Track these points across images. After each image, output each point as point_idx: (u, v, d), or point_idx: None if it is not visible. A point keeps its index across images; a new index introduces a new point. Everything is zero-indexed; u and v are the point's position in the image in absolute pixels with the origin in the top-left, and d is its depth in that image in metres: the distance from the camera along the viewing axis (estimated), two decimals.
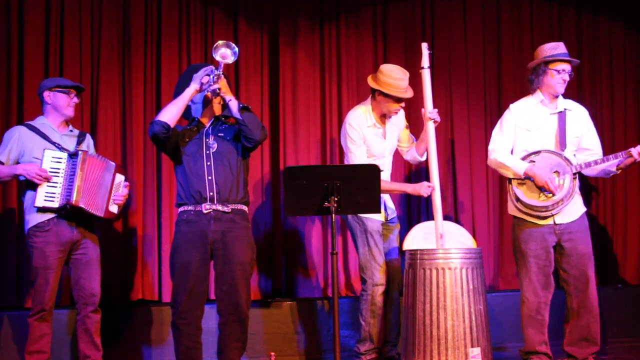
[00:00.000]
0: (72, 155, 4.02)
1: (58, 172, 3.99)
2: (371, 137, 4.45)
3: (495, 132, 4.42)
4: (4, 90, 4.88)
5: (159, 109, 4.70)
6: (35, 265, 4.00)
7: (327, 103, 5.47)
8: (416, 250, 4.05)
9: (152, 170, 5.11)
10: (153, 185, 5.10)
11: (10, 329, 4.59)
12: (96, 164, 4.05)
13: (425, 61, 4.37)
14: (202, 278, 3.85)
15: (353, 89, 5.52)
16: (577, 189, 4.25)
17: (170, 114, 3.81)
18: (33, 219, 4.02)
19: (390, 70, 4.37)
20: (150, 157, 5.12)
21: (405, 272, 4.11)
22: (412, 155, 4.69)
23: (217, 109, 3.99)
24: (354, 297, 5.22)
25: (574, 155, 4.35)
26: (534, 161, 4.23)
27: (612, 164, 4.25)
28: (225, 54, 3.75)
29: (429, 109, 4.33)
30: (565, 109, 4.35)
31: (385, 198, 4.54)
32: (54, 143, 4.08)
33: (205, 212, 3.82)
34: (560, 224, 4.24)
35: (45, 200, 3.95)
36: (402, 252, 4.43)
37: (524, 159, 4.28)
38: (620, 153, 4.21)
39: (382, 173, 4.22)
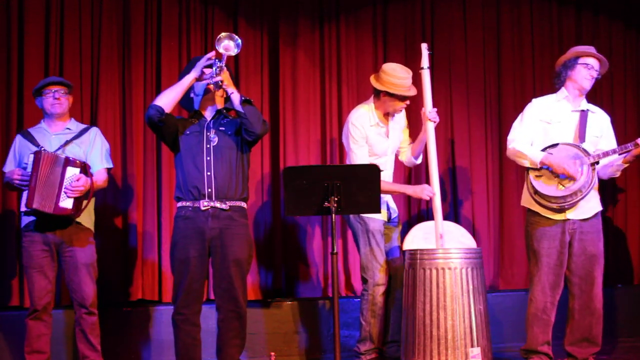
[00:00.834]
0: (35, 155, 3.94)
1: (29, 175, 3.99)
2: (374, 136, 4.45)
3: (516, 123, 4.39)
4: (4, 90, 4.88)
5: None
6: (24, 265, 4.05)
7: (327, 103, 5.47)
8: (416, 250, 4.06)
9: (152, 168, 5.12)
10: (153, 184, 5.10)
11: (10, 329, 4.59)
12: (50, 160, 3.92)
13: (425, 61, 4.36)
14: (200, 275, 3.85)
15: (353, 88, 5.51)
16: (596, 182, 4.19)
17: (166, 99, 3.80)
18: (24, 220, 4.08)
19: (393, 70, 4.37)
20: (150, 156, 5.12)
21: (405, 272, 4.11)
22: (407, 156, 4.70)
23: (219, 101, 3.98)
24: (354, 297, 5.22)
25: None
26: (551, 153, 4.19)
27: (619, 157, 4.21)
28: (228, 45, 3.73)
29: (428, 109, 4.33)
30: (587, 110, 4.32)
31: (388, 198, 4.54)
32: (37, 145, 4.07)
33: (203, 209, 3.82)
34: (574, 221, 4.20)
35: (24, 203, 3.97)
36: (401, 252, 4.43)
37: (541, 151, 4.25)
38: (627, 144, 4.15)
39: (384, 172, 4.25)
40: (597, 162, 4.18)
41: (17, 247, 4.79)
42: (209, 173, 3.82)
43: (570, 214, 4.21)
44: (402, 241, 4.49)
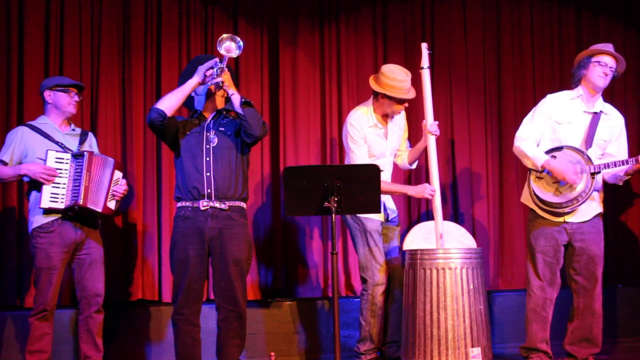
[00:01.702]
0: (77, 156, 4.03)
1: (61, 173, 3.99)
2: (373, 137, 4.44)
3: (526, 120, 4.37)
4: (4, 90, 4.87)
5: None
6: (39, 266, 4.00)
7: (327, 103, 5.47)
8: (416, 250, 4.06)
9: (152, 168, 5.12)
10: (153, 184, 5.10)
11: (10, 328, 4.59)
12: (98, 163, 4.05)
13: (425, 61, 4.36)
14: (200, 275, 3.86)
15: (353, 89, 5.51)
16: (594, 188, 4.18)
17: (168, 103, 3.82)
18: (37, 220, 4.03)
19: (392, 72, 4.35)
20: (150, 157, 5.12)
21: (406, 272, 4.11)
22: (402, 160, 4.71)
23: (219, 102, 3.99)
24: (354, 297, 5.22)
25: (599, 158, 4.29)
26: (555, 157, 4.19)
27: (622, 169, 4.21)
28: (229, 47, 3.74)
29: (429, 122, 4.32)
30: (601, 111, 4.28)
31: (385, 198, 4.53)
32: (57, 142, 4.09)
33: (202, 209, 3.83)
34: (572, 223, 4.22)
35: (50, 201, 3.95)
36: (401, 252, 4.43)
37: (546, 153, 4.24)
38: (631, 159, 4.15)
39: (382, 173, 4.23)
40: (599, 172, 4.18)
41: (17, 247, 4.79)
42: (208, 174, 3.83)
43: (569, 218, 4.22)
44: (401, 241, 4.50)
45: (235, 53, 3.75)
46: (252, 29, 5.38)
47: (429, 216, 5.30)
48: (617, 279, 5.79)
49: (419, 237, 4.31)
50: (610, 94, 5.91)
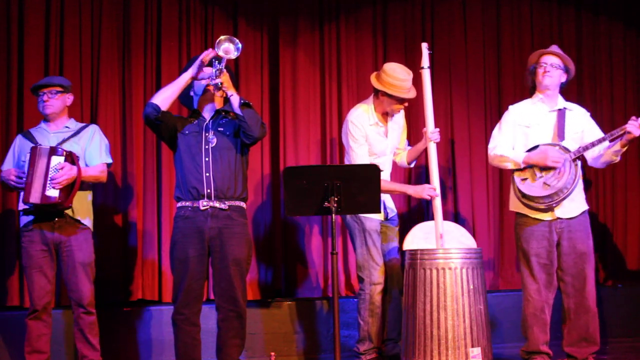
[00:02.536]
0: (30, 153, 3.97)
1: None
2: (373, 136, 4.44)
3: (495, 132, 4.43)
4: (4, 90, 4.88)
5: None
6: (24, 265, 4.06)
7: (327, 103, 5.47)
8: (416, 250, 4.05)
9: (152, 168, 5.12)
10: (153, 184, 5.11)
11: (10, 329, 4.60)
12: (36, 153, 3.95)
13: (425, 61, 4.36)
14: (200, 275, 3.85)
15: (353, 88, 5.51)
16: (579, 178, 4.21)
17: (163, 97, 3.81)
18: (22, 219, 4.09)
19: (393, 70, 4.35)
20: (150, 156, 5.12)
21: (406, 272, 4.10)
22: (400, 159, 4.71)
23: (218, 102, 3.98)
24: (354, 297, 5.21)
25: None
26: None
27: (611, 144, 4.20)
28: (228, 48, 3.72)
29: (430, 129, 4.32)
30: (565, 108, 4.36)
31: (385, 197, 4.53)
32: (36, 143, 4.07)
33: (202, 208, 3.82)
34: (562, 220, 4.23)
35: (22, 201, 3.99)
36: (401, 252, 4.42)
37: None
38: (614, 131, 4.16)
39: (382, 172, 4.23)
40: (579, 158, 4.20)
41: (17, 247, 4.79)
42: (207, 174, 3.82)
43: (558, 212, 4.22)
44: (400, 241, 4.49)
45: (233, 55, 3.74)
46: (252, 29, 5.38)
47: (429, 216, 5.29)
48: (617, 279, 5.79)
49: (419, 237, 4.31)
50: (610, 94, 5.93)
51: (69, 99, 4.27)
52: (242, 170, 3.94)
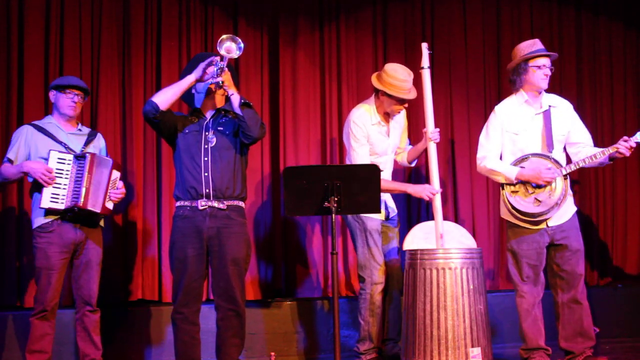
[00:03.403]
0: (79, 157, 4.03)
1: (62, 174, 3.99)
2: (375, 135, 4.45)
3: (482, 139, 4.41)
4: (4, 90, 4.88)
5: None
6: (38, 266, 4.01)
7: (327, 103, 5.47)
8: (416, 250, 4.05)
9: (152, 168, 5.12)
10: (153, 184, 5.11)
11: (11, 328, 4.58)
12: (98, 164, 4.05)
13: (425, 61, 4.36)
14: (199, 274, 3.85)
15: (353, 88, 5.51)
16: (569, 190, 4.27)
17: (164, 97, 3.82)
18: (38, 219, 4.04)
19: (394, 71, 4.36)
20: (150, 156, 5.13)
21: (406, 272, 4.11)
22: (401, 159, 4.72)
23: (219, 100, 3.97)
24: (354, 297, 5.21)
25: (564, 150, 4.35)
26: (523, 167, 4.24)
27: (602, 158, 4.22)
28: (230, 47, 3.72)
29: (430, 129, 4.32)
30: (550, 106, 4.34)
31: (386, 197, 4.54)
32: (60, 143, 4.09)
33: (200, 208, 3.82)
34: (553, 226, 4.27)
35: (50, 201, 3.96)
36: (401, 252, 4.42)
37: (513, 165, 4.28)
38: (606, 149, 4.19)
39: (383, 171, 4.26)
40: (569, 172, 4.23)
41: (17, 246, 4.79)
42: (206, 174, 3.82)
43: (550, 221, 4.26)
44: (401, 242, 4.49)
45: (235, 54, 3.74)
46: (252, 29, 5.38)
47: (429, 216, 5.30)
48: (617, 279, 5.79)
49: (419, 237, 4.31)
50: (610, 94, 5.93)
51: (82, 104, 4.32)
52: (242, 170, 3.94)
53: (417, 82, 4.42)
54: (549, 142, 4.27)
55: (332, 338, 4.29)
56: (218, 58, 3.77)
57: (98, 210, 4.03)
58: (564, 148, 4.38)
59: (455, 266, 3.92)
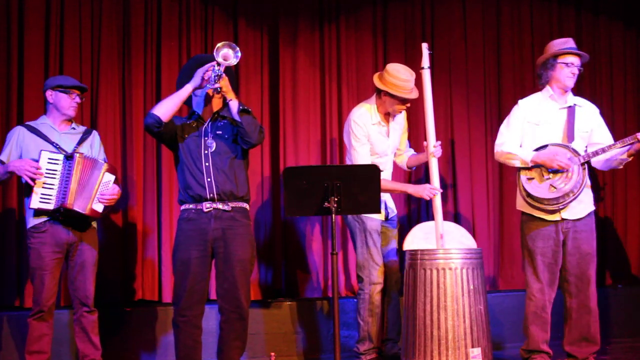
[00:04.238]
0: (69, 157, 4.02)
1: (54, 174, 3.98)
2: (375, 135, 4.45)
3: (503, 127, 4.40)
4: (4, 90, 4.87)
5: None
6: (32, 266, 4.03)
7: (327, 103, 5.47)
8: (416, 250, 4.05)
9: (152, 169, 5.12)
10: (153, 185, 5.10)
11: (10, 329, 4.58)
12: (88, 164, 4.04)
13: (426, 61, 4.37)
14: (202, 276, 3.84)
15: (353, 89, 5.51)
16: (587, 181, 4.22)
17: (165, 109, 3.81)
18: (31, 220, 4.04)
19: (397, 71, 4.37)
20: (150, 157, 5.12)
21: (406, 272, 4.11)
22: (401, 161, 4.74)
23: (217, 103, 3.96)
24: (354, 297, 5.20)
25: (585, 150, 4.30)
26: None
27: (620, 151, 4.21)
28: (227, 54, 3.70)
29: (432, 143, 4.31)
30: (575, 104, 4.33)
31: (386, 197, 4.54)
32: (52, 143, 4.08)
33: (205, 210, 3.82)
34: (567, 221, 4.22)
35: (40, 202, 3.95)
36: (401, 252, 4.43)
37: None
38: (626, 138, 4.16)
39: (383, 172, 4.26)
40: (588, 162, 4.20)
41: (17, 247, 4.79)
42: (209, 179, 3.82)
43: (564, 214, 4.22)
44: (400, 242, 4.49)
45: (233, 61, 3.71)
46: (252, 29, 5.38)
47: (429, 216, 5.29)
48: (617, 279, 5.79)
49: (419, 237, 4.30)
50: (610, 94, 5.93)
51: None
52: (244, 172, 3.94)
53: (417, 83, 4.42)
54: (569, 135, 4.24)
55: (332, 338, 4.29)
56: (215, 64, 3.75)
57: (84, 212, 3.99)
58: (586, 148, 4.33)
59: (455, 266, 3.93)
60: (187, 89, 3.82)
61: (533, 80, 5.75)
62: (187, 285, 3.80)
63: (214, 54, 3.70)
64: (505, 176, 5.67)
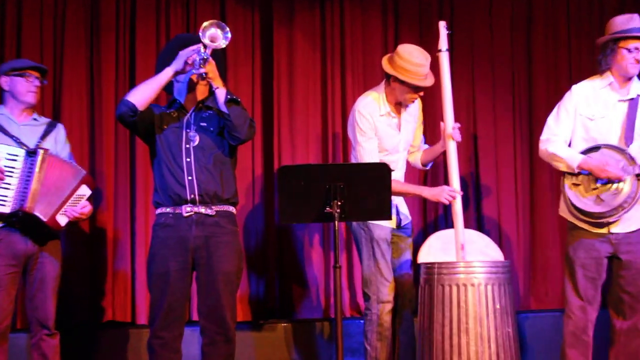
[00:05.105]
0: (31, 153, 4.00)
1: (12, 172, 3.96)
2: (384, 128, 4.41)
3: (550, 120, 4.35)
4: None
5: None
6: None
7: (329, 92, 5.47)
8: (433, 263, 4.04)
9: (125, 166, 5.17)
10: (126, 184, 5.16)
11: None
12: (59, 166, 4.03)
13: (444, 43, 4.34)
14: (182, 292, 3.82)
15: (359, 75, 5.52)
16: None
17: (141, 95, 3.79)
18: None
19: (409, 53, 4.32)
20: (122, 152, 5.17)
21: (421, 288, 4.10)
22: (414, 159, 4.71)
23: (201, 91, 3.94)
24: (360, 318, 5.21)
25: None
26: (591, 157, 4.17)
27: None
28: (215, 35, 3.69)
29: (449, 125, 4.29)
30: (638, 95, 4.26)
31: (398, 201, 4.50)
32: (11, 136, 4.07)
33: (185, 215, 3.80)
34: (618, 234, 4.18)
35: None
36: (416, 265, 4.40)
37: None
38: None
39: (394, 172, 4.25)
40: None
41: None
42: (190, 177, 3.81)
43: (614, 228, 4.18)
44: (414, 254, 4.48)
45: (222, 43, 3.70)
46: (241, 7, 5.40)
47: (447, 224, 5.28)
48: None
49: (436, 248, 4.28)
50: None
51: None
52: (230, 171, 3.93)
53: (434, 67, 4.37)
54: (628, 135, 4.18)
55: None
56: (201, 46, 3.73)
57: (45, 219, 3.95)
58: None
59: (478, 282, 3.92)
60: (168, 73, 3.80)
61: (569, 67, 5.80)
62: (164, 303, 3.78)
63: (200, 34, 3.68)
64: (537, 177, 5.67)
